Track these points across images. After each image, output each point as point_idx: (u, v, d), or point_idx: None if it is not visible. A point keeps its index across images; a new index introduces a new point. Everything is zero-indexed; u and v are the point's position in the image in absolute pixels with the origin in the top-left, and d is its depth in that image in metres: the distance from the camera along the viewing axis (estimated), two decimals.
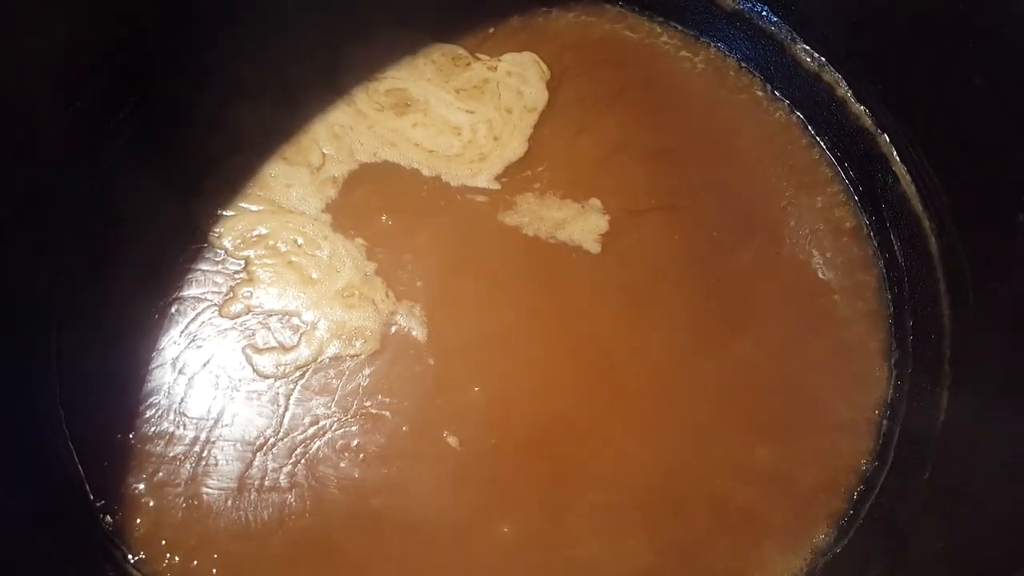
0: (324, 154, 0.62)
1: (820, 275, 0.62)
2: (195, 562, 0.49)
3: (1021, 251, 0.50)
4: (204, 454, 0.52)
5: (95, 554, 0.47)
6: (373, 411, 0.55)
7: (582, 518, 0.52)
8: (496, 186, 0.63)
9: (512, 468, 0.53)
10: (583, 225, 0.62)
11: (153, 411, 0.53)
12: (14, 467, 0.46)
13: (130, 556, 0.48)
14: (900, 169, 0.60)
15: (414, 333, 0.56)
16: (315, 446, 0.53)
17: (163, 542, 0.49)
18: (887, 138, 0.62)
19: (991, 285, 0.52)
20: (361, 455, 0.54)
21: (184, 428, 0.53)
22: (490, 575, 0.51)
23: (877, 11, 0.59)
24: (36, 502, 0.46)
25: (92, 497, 0.50)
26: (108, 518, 0.50)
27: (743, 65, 0.69)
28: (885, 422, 0.56)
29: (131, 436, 0.52)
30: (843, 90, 0.64)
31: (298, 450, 0.53)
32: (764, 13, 0.67)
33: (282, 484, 0.52)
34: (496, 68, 0.67)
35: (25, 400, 0.51)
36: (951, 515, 0.49)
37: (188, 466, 0.52)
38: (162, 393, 0.53)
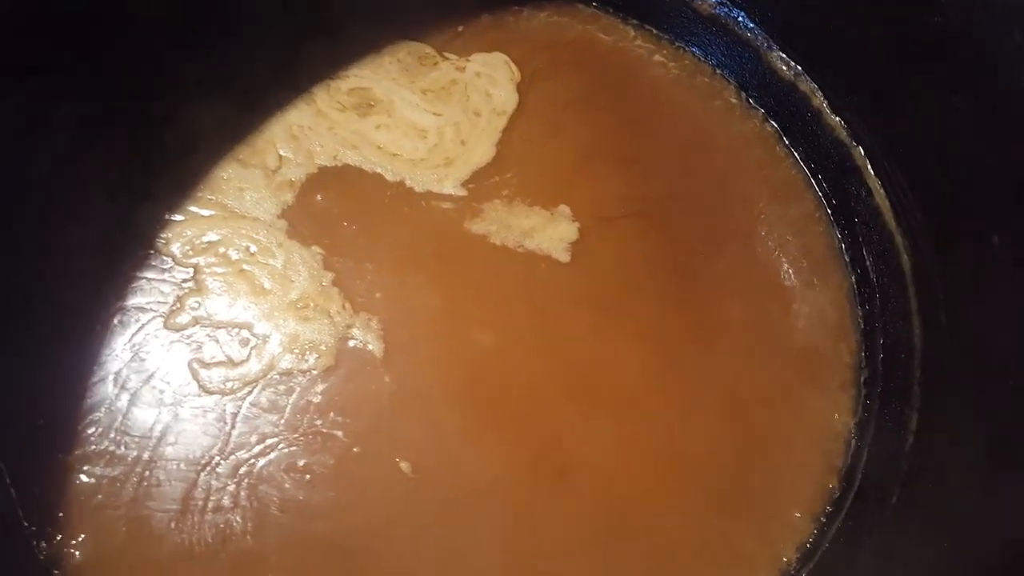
0: (281, 156, 0.60)
1: (791, 288, 0.61)
2: None
3: (995, 272, 0.49)
4: (146, 474, 0.50)
5: None
6: (324, 430, 0.53)
7: (540, 556, 0.50)
8: (463, 192, 0.61)
9: (469, 498, 0.51)
10: (552, 233, 0.60)
11: (93, 429, 0.50)
12: None
13: None
14: (874, 183, 0.59)
15: (371, 348, 0.54)
16: (260, 465, 0.52)
17: (103, 569, 0.47)
18: (862, 151, 0.61)
19: (964, 306, 0.51)
20: (307, 476, 0.52)
21: (125, 447, 0.50)
22: None
23: (855, 23, 0.58)
24: None
25: (25, 523, 0.47)
26: (43, 544, 0.47)
27: (718, 71, 0.67)
28: (853, 442, 0.55)
29: (68, 456, 0.49)
30: (819, 100, 0.63)
31: (243, 469, 0.51)
32: (741, 19, 0.65)
33: (225, 504, 0.50)
34: (464, 68, 0.65)
35: None
36: (919, 539, 0.49)
37: (129, 487, 0.49)
38: (102, 410, 0.51)
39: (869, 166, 0.60)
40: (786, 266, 0.61)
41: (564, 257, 0.60)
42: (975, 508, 0.46)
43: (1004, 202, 0.49)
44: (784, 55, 0.64)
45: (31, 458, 0.49)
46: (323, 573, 0.50)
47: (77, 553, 0.47)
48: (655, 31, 0.68)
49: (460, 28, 0.67)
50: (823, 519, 0.54)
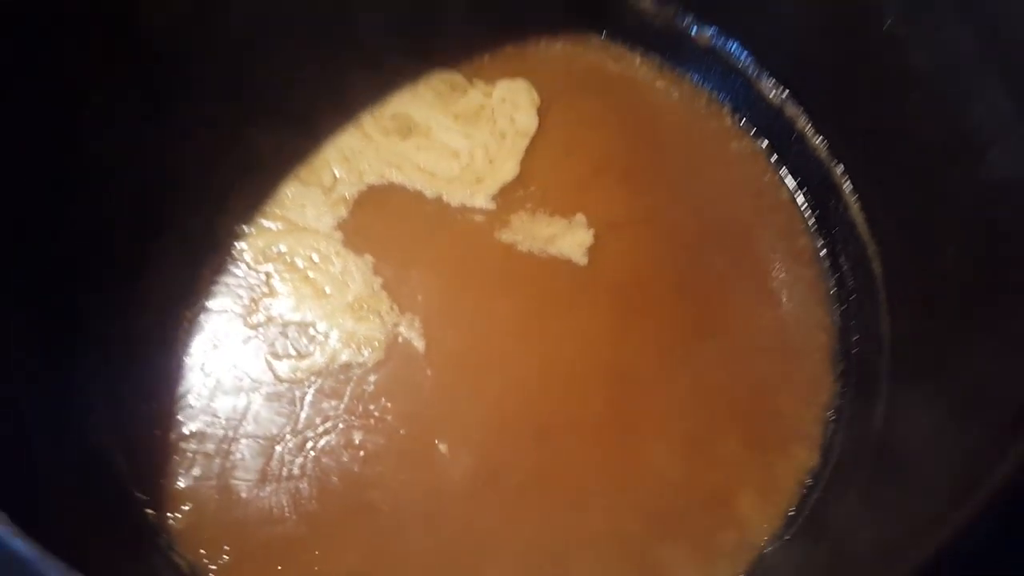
0: (335, 175, 0.68)
1: (778, 287, 0.69)
2: (226, 547, 0.56)
3: (949, 279, 0.58)
4: (231, 450, 0.59)
5: (143, 548, 0.53)
6: (376, 414, 0.61)
7: (557, 528, 0.58)
8: (492, 206, 0.69)
9: (495, 477, 0.59)
10: (571, 239, 0.68)
11: (186, 412, 0.59)
12: (65, 477, 0.52)
13: (173, 546, 0.55)
14: (850, 198, 0.67)
15: (415, 344, 0.62)
16: (323, 442, 0.59)
17: (200, 532, 0.56)
18: (841, 168, 0.68)
19: (924, 309, 0.60)
20: (362, 452, 0.60)
21: (214, 427, 0.59)
22: (461, 558, 0.58)
23: (836, 56, 0.66)
24: (89, 505, 0.52)
25: (138, 494, 0.56)
26: (151, 511, 0.56)
27: (714, 96, 0.75)
28: (831, 425, 0.63)
29: (169, 436, 0.58)
30: (803, 123, 0.70)
31: (308, 445, 0.59)
32: (734, 50, 0.73)
33: (295, 474, 0.58)
34: (491, 95, 0.73)
35: (74, 410, 0.57)
36: (884, 509, 0.57)
37: (218, 461, 0.58)
38: (193, 395, 0.60)
39: (847, 182, 0.67)
40: (774, 268, 0.69)
41: (582, 260, 0.67)
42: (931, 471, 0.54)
43: (960, 219, 0.58)
44: (772, 82, 0.72)
45: (138, 438, 0.58)
46: (372, 533, 0.58)
47: (179, 515, 0.56)
48: (658, 59, 0.76)
49: (486, 58, 0.75)
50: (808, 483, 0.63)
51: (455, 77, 0.74)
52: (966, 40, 0.54)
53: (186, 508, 0.56)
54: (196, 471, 0.57)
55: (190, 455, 0.58)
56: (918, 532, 0.42)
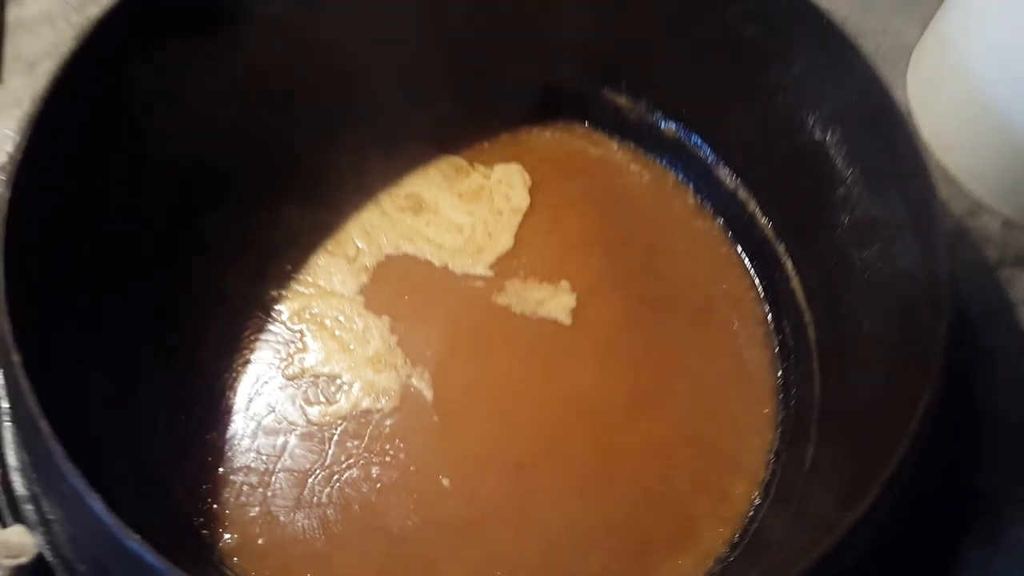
0: (358, 247, 0.80)
1: (733, 343, 0.80)
2: (268, 563, 0.67)
3: (864, 346, 0.70)
4: (271, 481, 0.69)
5: (201, 565, 0.64)
6: (391, 453, 0.70)
7: (539, 551, 0.68)
8: (490, 273, 0.79)
9: (490, 511, 0.69)
10: (557, 303, 0.79)
11: (233, 449, 0.70)
12: (137, 501, 0.63)
13: (224, 563, 0.66)
14: (791, 271, 0.77)
15: (424, 393, 0.73)
16: (346, 476, 0.69)
17: (246, 550, 0.67)
18: (783, 247, 0.79)
19: (846, 373, 0.72)
20: (378, 484, 0.69)
21: (256, 462, 0.69)
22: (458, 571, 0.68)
23: (776, 154, 0.77)
24: (155, 528, 0.62)
25: (194, 518, 0.66)
26: (205, 533, 0.67)
27: (679, 179, 0.86)
28: (771, 464, 0.75)
29: (219, 469, 0.69)
30: (753, 206, 0.81)
31: (335, 478, 0.69)
32: (697, 142, 0.84)
33: (323, 501, 0.68)
34: (489, 176, 0.85)
35: (140, 443, 0.68)
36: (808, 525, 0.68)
37: (260, 491, 0.68)
38: (239, 435, 0.71)
39: (788, 258, 0.78)
40: (730, 328, 0.80)
41: (567, 320, 0.77)
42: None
43: (873, 297, 0.70)
44: (728, 170, 0.82)
45: (193, 470, 0.69)
46: (385, 552, 0.67)
47: (229, 537, 0.67)
48: (632, 146, 0.87)
49: (485, 144, 0.86)
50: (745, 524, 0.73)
51: (459, 161, 0.86)
52: (871, 155, 0.67)
53: (234, 530, 0.68)
54: (242, 499, 0.68)
55: (237, 485, 0.69)
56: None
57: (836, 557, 0.47)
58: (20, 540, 0.56)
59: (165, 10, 0.68)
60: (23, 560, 0.55)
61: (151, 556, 0.42)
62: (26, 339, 0.48)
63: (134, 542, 0.42)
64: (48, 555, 0.58)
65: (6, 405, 0.65)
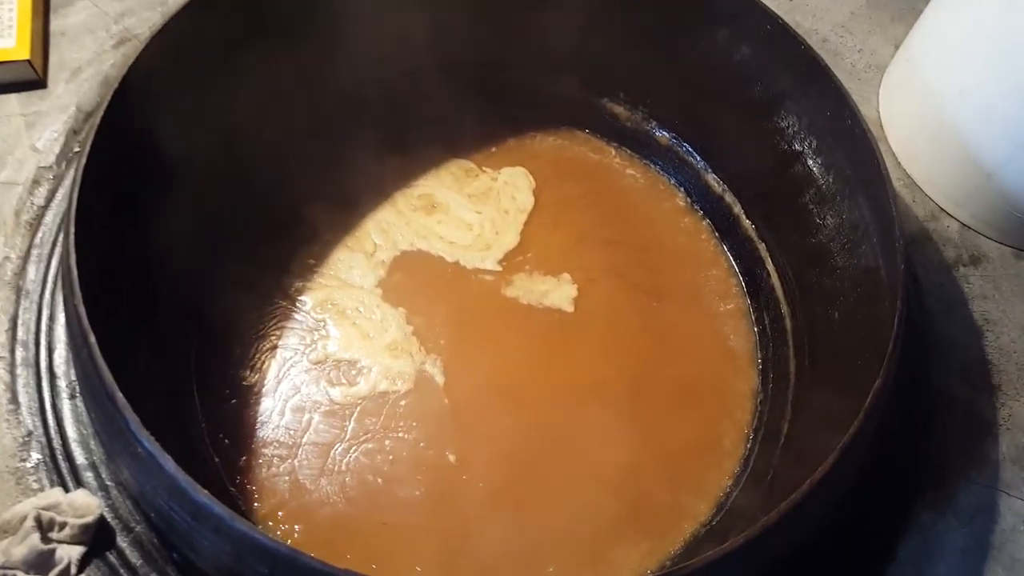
0: (375, 243, 0.87)
1: (718, 332, 0.87)
2: (297, 525, 0.74)
3: (835, 337, 0.78)
4: (298, 454, 0.77)
5: None
6: (403, 430, 0.76)
7: (535, 526, 0.74)
8: (499, 268, 0.86)
9: (494, 485, 0.75)
10: (560, 293, 0.85)
11: (265, 426, 0.77)
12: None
13: (258, 527, 0.73)
14: (771, 269, 0.84)
15: (436, 378, 0.79)
16: (363, 448, 0.76)
17: (278, 514, 0.74)
18: (764, 246, 0.86)
19: (816, 353, 0.80)
20: (391, 457, 0.75)
21: (285, 436, 0.76)
22: (463, 544, 0.73)
23: (760, 162, 0.85)
24: None
25: (231, 488, 0.73)
26: (239, 500, 0.74)
27: (671, 182, 0.93)
28: (749, 441, 0.83)
29: (252, 443, 0.77)
30: (738, 209, 0.88)
31: (353, 450, 0.76)
32: (687, 149, 0.91)
33: (343, 470, 0.74)
34: (496, 179, 0.93)
35: (181, 420, 0.75)
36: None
37: (289, 462, 0.75)
38: (269, 413, 0.78)
39: (769, 257, 0.85)
40: (715, 319, 0.88)
41: (569, 309, 0.84)
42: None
43: (842, 290, 0.78)
44: (716, 176, 0.90)
45: (230, 445, 0.76)
46: (394, 512, 0.73)
47: (262, 506, 0.74)
48: (628, 152, 0.94)
49: (493, 149, 0.93)
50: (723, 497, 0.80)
51: (468, 164, 0.93)
52: (842, 164, 0.74)
53: (267, 497, 0.75)
54: (273, 469, 0.75)
55: (268, 457, 0.76)
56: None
57: (797, 512, 0.54)
58: (85, 501, 0.63)
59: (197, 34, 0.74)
60: (89, 519, 0.62)
61: (216, 506, 0.49)
62: (98, 330, 0.55)
63: (202, 495, 0.50)
64: (108, 517, 0.65)
65: (63, 384, 0.72)
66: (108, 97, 0.64)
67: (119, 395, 0.51)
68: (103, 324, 0.59)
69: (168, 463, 0.50)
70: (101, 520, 0.64)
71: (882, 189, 0.65)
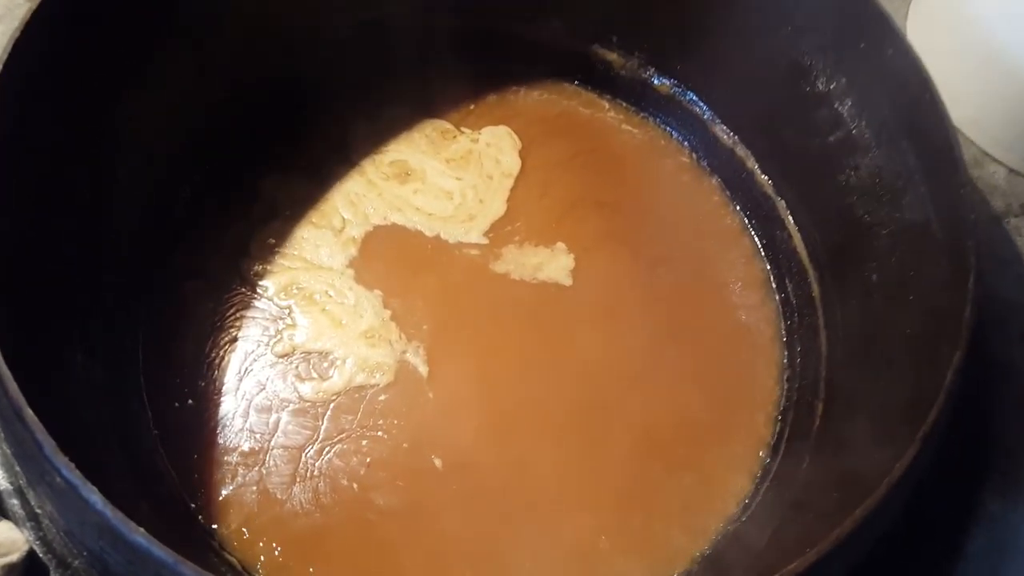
0: (344, 218, 0.77)
1: (734, 302, 0.78)
2: (265, 539, 0.64)
3: (872, 301, 0.69)
4: (266, 459, 0.67)
5: (199, 551, 0.62)
6: (383, 428, 0.68)
7: (527, 534, 0.66)
8: (485, 241, 0.77)
9: (482, 490, 0.67)
10: (556, 265, 0.77)
11: (226, 431, 0.67)
12: (132, 491, 0.61)
13: (224, 547, 0.64)
14: (792, 229, 0.77)
15: (419, 369, 0.70)
16: (337, 450, 0.67)
17: (245, 531, 0.64)
18: (784, 203, 0.78)
19: (852, 324, 0.71)
20: (368, 459, 0.67)
21: (250, 441, 0.67)
22: (444, 558, 0.66)
23: (776, 107, 0.76)
24: (151, 517, 0.60)
25: (190, 504, 0.64)
26: (200, 517, 0.65)
27: (674, 137, 0.85)
28: (778, 423, 0.74)
29: (213, 452, 0.67)
30: (751, 163, 0.80)
31: (326, 452, 0.67)
32: (691, 97, 0.83)
33: (315, 475, 0.66)
34: (478, 140, 0.83)
35: (129, 432, 0.65)
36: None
37: (256, 470, 0.66)
38: (231, 415, 0.68)
39: (789, 215, 0.77)
40: (729, 287, 0.79)
41: (567, 281, 0.76)
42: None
43: (880, 249, 0.69)
44: (725, 127, 0.81)
45: (186, 456, 0.66)
46: (374, 527, 0.65)
47: (229, 524, 0.64)
48: (624, 105, 0.86)
49: (472, 107, 0.84)
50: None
51: (444, 125, 0.83)
52: (880, 104, 0.65)
53: (232, 513, 0.65)
54: (238, 479, 0.66)
55: (232, 466, 0.66)
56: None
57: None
58: (8, 536, 0.53)
59: None
60: (13, 558, 0.53)
61: (156, 549, 0.40)
62: (6, 331, 0.45)
63: (138, 535, 0.40)
64: (39, 551, 0.55)
65: None
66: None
67: (28, 411, 0.41)
68: (24, 329, 0.49)
69: (93, 496, 0.40)
70: (30, 556, 0.54)
71: (939, 131, 0.56)
